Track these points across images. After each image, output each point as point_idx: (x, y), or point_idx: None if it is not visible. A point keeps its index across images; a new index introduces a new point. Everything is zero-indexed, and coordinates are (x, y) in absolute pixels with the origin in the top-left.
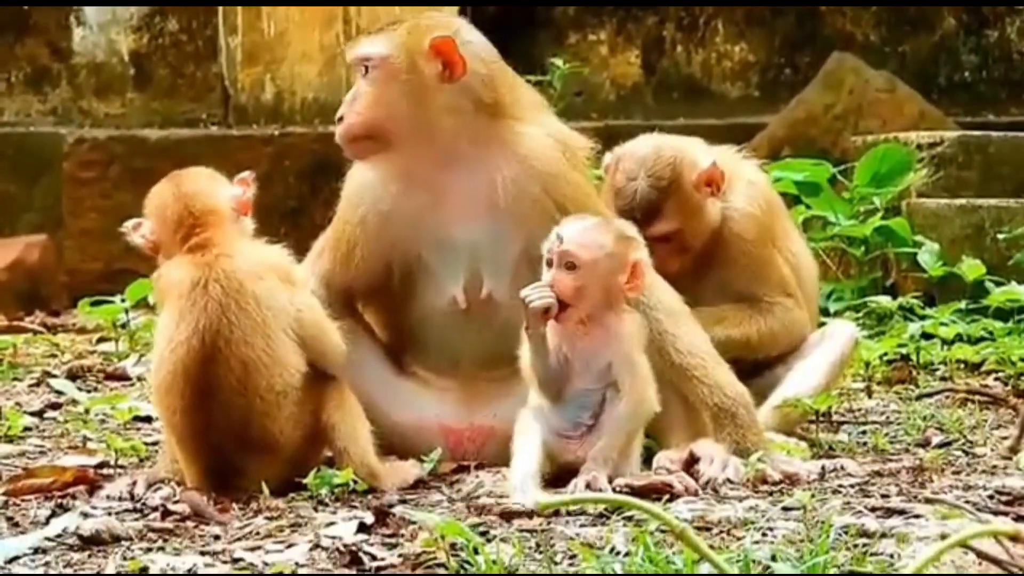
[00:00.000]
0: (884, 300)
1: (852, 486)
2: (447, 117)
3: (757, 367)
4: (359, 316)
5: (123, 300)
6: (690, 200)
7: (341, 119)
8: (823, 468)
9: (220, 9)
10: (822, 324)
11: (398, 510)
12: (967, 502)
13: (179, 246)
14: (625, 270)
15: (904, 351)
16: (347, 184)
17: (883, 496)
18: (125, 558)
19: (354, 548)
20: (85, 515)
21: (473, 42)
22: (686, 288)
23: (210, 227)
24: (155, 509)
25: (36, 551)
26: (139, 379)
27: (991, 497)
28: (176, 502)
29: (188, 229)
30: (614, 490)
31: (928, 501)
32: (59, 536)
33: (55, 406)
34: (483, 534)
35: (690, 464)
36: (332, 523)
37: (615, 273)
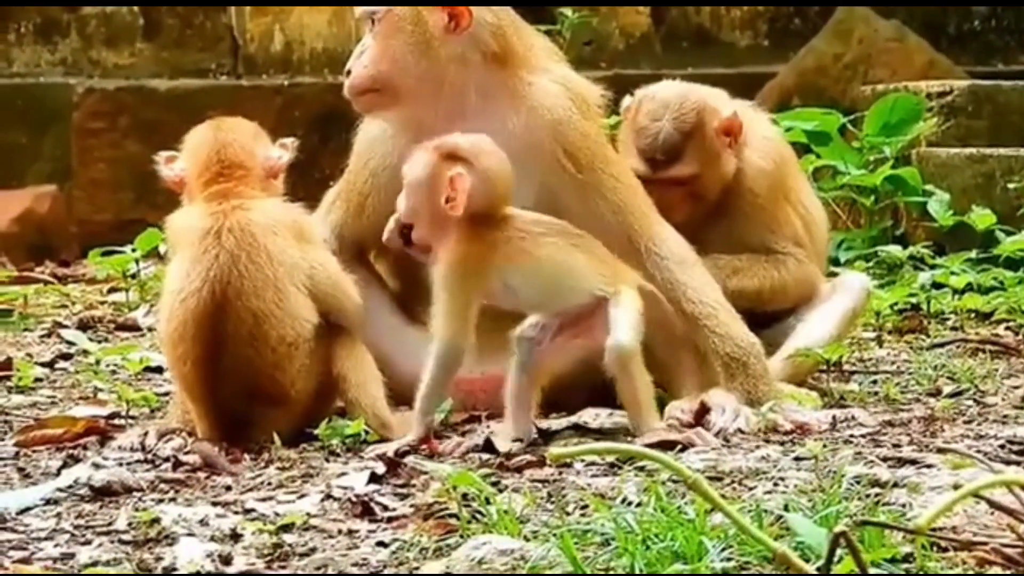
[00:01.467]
0: (894, 249)
1: (864, 436)
2: (454, 68)
3: (768, 318)
4: (371, 267)
5: (134, 250)
6: (710, 146)
7: (349, 72)
8: (834, 418)
9: None
10: (832, 275)
11: (409, 460)
12: (978, 452)
13: (201, 190)
14: (443, 188)
15: (915, 301)
16: (358, 137)
17: (895, 446)
18: (137, 509)
19: (366, 498)
20: (96, 466)
21: None
22: (698, 239)
23: (235, 180)
24: (166, 460)
25: (47, 502)
26: (150, 329)
27: (1002, 447)
28: (187, 453)
29: (214, 175)
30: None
31: (940, 451)
32: (70, 487)
33: (66, 357)
34: (495, 484)
35: (702, 414)
36: (343, 474)
37: (435, 192)
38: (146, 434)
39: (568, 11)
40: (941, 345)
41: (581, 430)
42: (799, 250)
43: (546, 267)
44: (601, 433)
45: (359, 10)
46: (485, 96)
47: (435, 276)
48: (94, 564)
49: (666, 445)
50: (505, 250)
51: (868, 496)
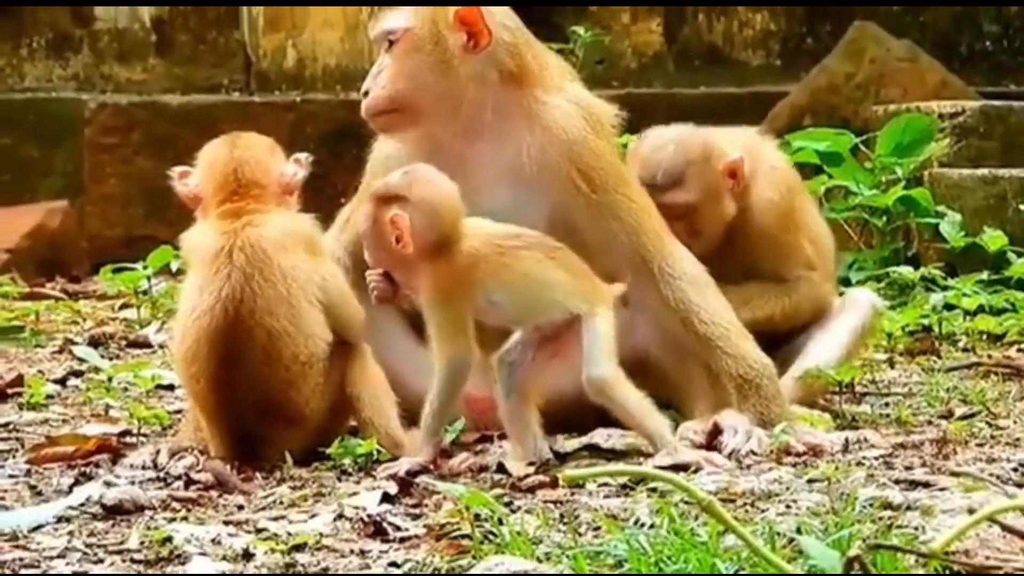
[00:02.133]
0: (906, 270)
1: (876, 458)
2: (473, 87)
3: (778, 337)
4: None
5: (145, 267)
6: (712, 181)
7: (366, 93)
8: (847, 440)
9: None
10: (840, 294)
11: (422, 480)
12: (991, 474)
13: (216, 207)
14: (389, 234)
15: (926, 322)
16: (372, 155)
17: (907, 468)
18: (148, 527)
19: (378, 518)
20: (108, 484)
21: (497, 11)
22: (711, 269)
23: (251, 197)
24: (178, 478)
25: (59, 520)
26: (161, 346)
27: (1015, 469)
28: (199, 471)
29: (228, 193)
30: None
31: (952, 474)
32: (82, 505)
33: (77, 373)
34: (507, 504)
35: (714, 435)
36: (356, 493)
37: (385, 239)
38: (158, 452)
39: (580, 30)
40: (956, 368)
41: (593, 451)
42: (811, 273)
43: (527, 280)
44: (613, 454)
45: (375, 30)
46: (501, 115)
47: (422, 305)
48: None
49: (678, 466)
50: (485, 266)
51: (881, 519)
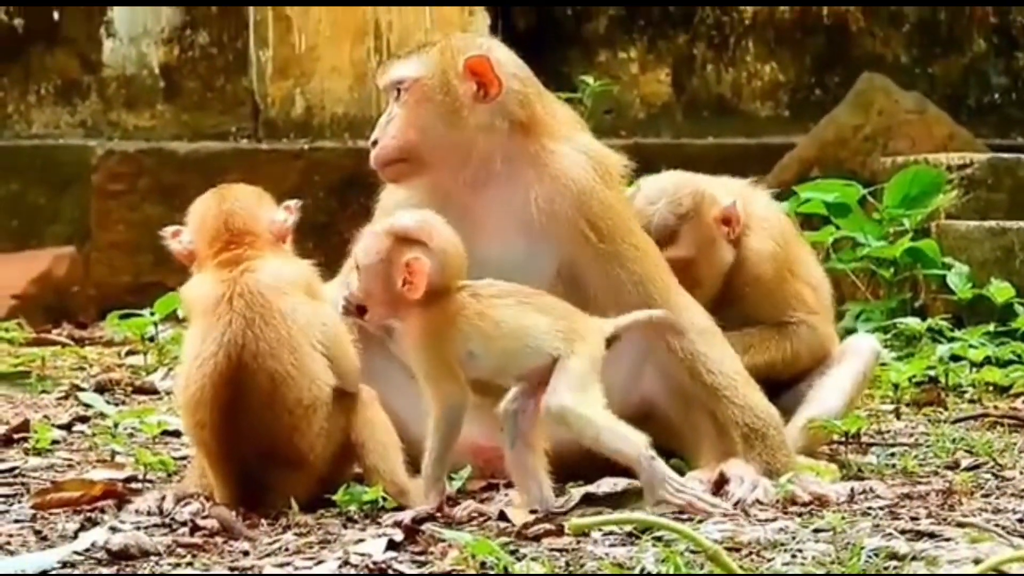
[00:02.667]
0: (913, 322)
1: (881, 508)
2: (482, 137)
3: (780, 384)
4: (390, 331)
5: (152, 313)
6: (706, 232)
7: (375, 143)
8: (852, 490)
9: (251, 22)
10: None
11: (427, 527)
12: (997, 525)
13: (212, 259)
14: (399, 273)
15: (933, 373)
16: (380, 203)
17: (913, 519)
18: (154, 573)
19: (383, 565)
20: (114, 529)
21: (506, 61)
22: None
23: (245, 246)
24: (184, 524)
25: (64, 565)
26: (167, 393)
27: (1021, 520)
28: (205, 517)
29: (223, 244)
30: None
31: (958, 524)
32: (87, 550)
33: (83, 419)
34: (513, 552)
35: (720, 484)
36: (361, 540)
37: (391, 277)
38: (163, 498)
39: (589, 79)
40: (963, 419)
41: (598, 499)
42: (811, 316)
43: (504, 328)
44: (618, 502)
45: (384, 79)
46: (510, 164)
47: (408, 354)
48: None
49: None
50: (463, 316)
51: (886, 569)
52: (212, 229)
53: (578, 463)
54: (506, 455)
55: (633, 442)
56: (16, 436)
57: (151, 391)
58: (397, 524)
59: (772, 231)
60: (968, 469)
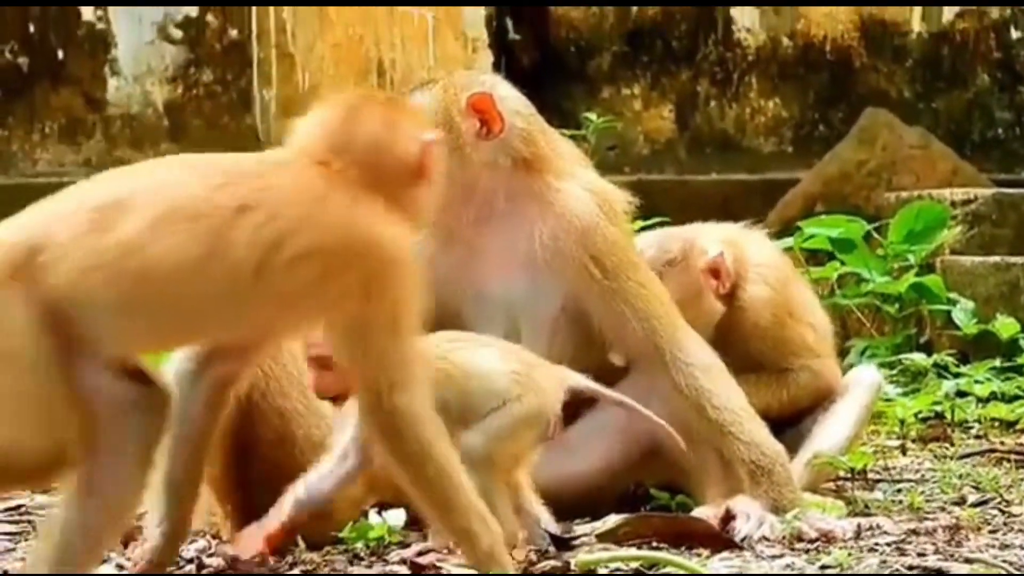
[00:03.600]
0: (918, 357)
1: (888, 544)
2: (486, 174)
3: (783, 421)
4: None
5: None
6: (692, 282)
7: None
8: (859, 526)
9: (254, 61)
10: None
11: (434, 563)
12: (1004, 561)
13: None
14: None
15: (939, 409)
16: None
17: (919, 555)
18: None
19: None
20: (120, 567)
21: (509, 98)
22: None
23: None
24: (190, 561)
25: None
26: None
27: None
28: (211, 555)
29: None
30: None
31: (965, 560)
32: None
33: None
34: None
35: (726, 521)
36: None
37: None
38: None
39: (593, 115)
40: (969, 455)
41: (604, 535)
42: (812, 360)
43: (457, 371)
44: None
45: None
46: (513, 201)
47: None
48: None
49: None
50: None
51: None
52: None
53: (582, 499)
54: None
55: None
56: None
57: None
58: (403, 561)
59: (768, 277)
60: (975, 505)
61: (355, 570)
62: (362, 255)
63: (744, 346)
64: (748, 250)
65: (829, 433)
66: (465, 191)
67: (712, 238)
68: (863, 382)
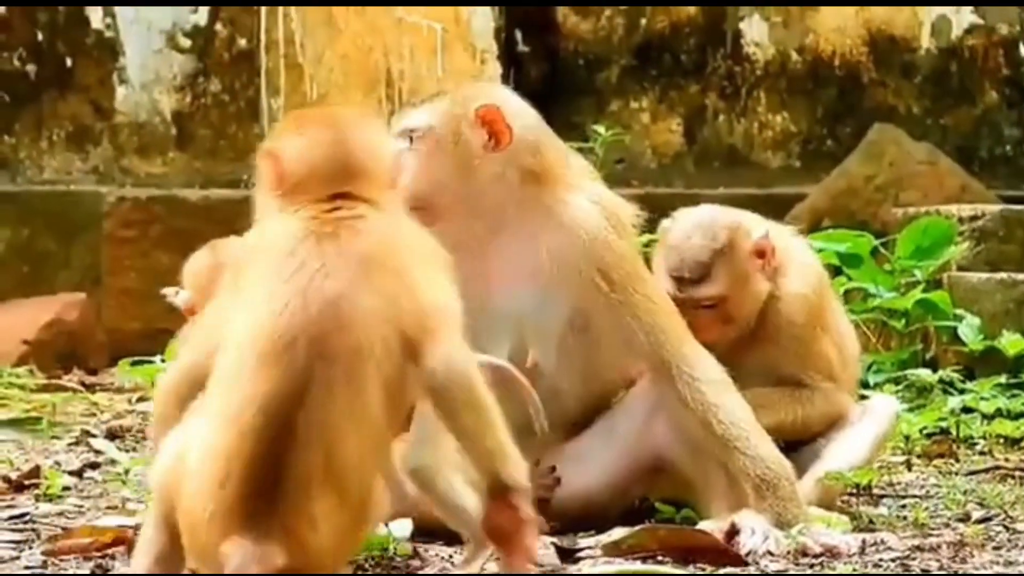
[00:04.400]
0: (924, 373)
1: (893, 560)
2: (494, 186)
3: (796, 442)
4: None
5: (163, 360)
6: (740, 268)
7: None
8: (863, 542)
9: (262, 70)
10: (863, 397)
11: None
12: None
13: None
14: None
15: (944, 425)
16: None
17: (924, 571)
18: None
19: None
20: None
21: (518, 110)
22: (731, 364)
23: None
24: (194, 571)
25: None
26: None
27: None
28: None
29: None
30: None
31: None
32: None
33: (94, 466)
34: None
35: (731, 535)
36: None
37: None
38: None
39: (601, 128)
40: (975, 472)
41: (609, 548)
42: (829, 385)
43: None
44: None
45: (396, 128)
46: (521, 213)
47: None
48: None
49: (708, 553)
50: None
51: None
52: (207, 282)
53: (587, 512)
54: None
55: None
56: (27, 482)
57: None
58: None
59: (809, 278)
60: (979, 521)
61: None
62: None
63: (769, 345)
64: (792, 249)
65: (842, 454)
66: (473, 203)
67: (757, 222)
68: (883, 411)
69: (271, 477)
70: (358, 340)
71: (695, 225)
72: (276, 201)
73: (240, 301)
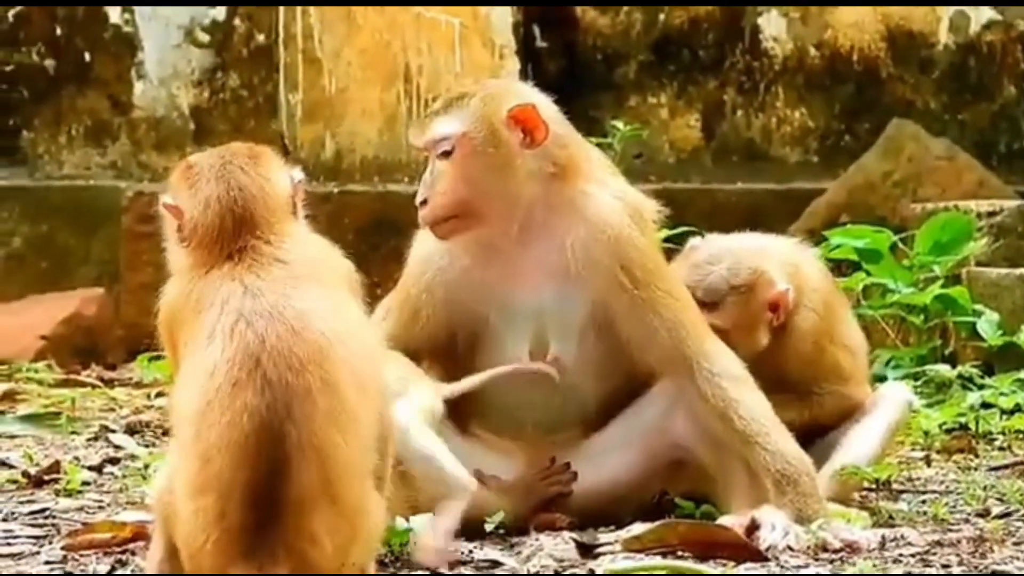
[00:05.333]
0: (943, 368)
1: (913, 556)
2: (530, 183)
3: (811, 433)
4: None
5: None
6: (750, 312)
7: (424, 202)
8: (883, 537)
9: (281, 65)
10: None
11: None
12: None
13: None
14: None
15: (963, 420)
16: (414, 249)
17: (944, 566)
18: None
19: None
20: (144, 571)
21: (545, 105)
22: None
23: None
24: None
25: None
26: None
27: None
28: None
29: None
30: None
31: (991, 572)
32: None
33: (113, 461)
34: None
35: (751, 530)
36: None
37: None
38: None
39: (619, 124)
40: (996, 468)
41: (629, 543)
42: (839, 387)
43: None
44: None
45: (422, 139)
46: (549, 211)
47: None
48: None
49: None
50: None
51: None
52: None
53: (607, 507)
54: None
55: None
56: (47, 477)
57: None
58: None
59: (816, 304)
60: (999, 517)
61: None
62: None
63: (776, 370)
64: (804, 278)
65: (857, 446)
66: (512, 203)
67: (777, 266)
68: (895, 399)
69: (268, 499)
70: (316, 342)
71: (725, 252)
72: (185, 256)
73: (185, 357)
